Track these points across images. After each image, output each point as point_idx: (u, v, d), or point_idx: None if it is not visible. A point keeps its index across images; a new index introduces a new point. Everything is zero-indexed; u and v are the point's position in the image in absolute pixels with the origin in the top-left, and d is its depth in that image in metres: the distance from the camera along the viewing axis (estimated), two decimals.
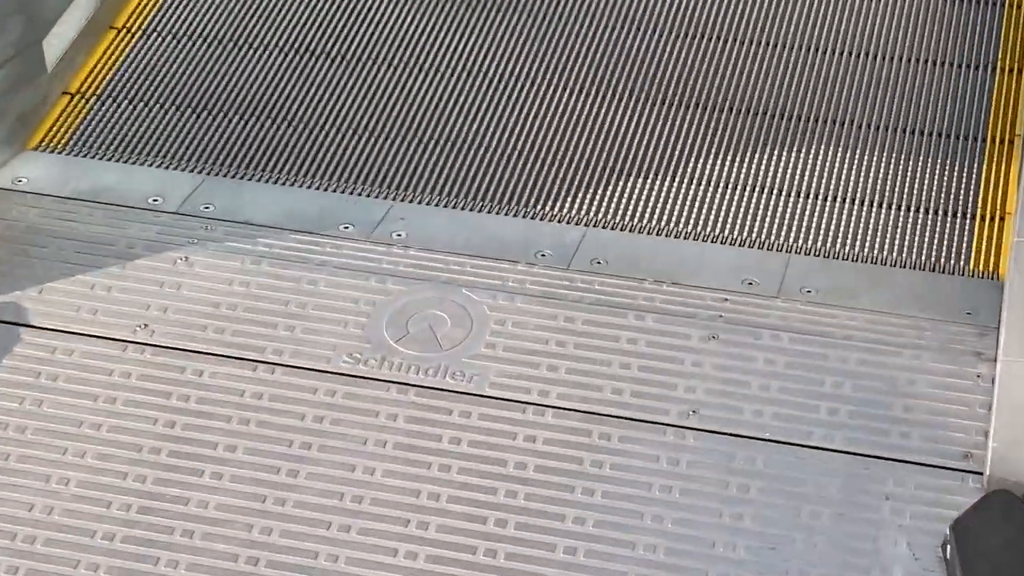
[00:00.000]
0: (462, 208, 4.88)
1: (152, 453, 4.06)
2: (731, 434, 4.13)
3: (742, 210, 4.93)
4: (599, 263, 4.64)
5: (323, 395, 4.22)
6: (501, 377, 4.28)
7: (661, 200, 4.97)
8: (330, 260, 4.59)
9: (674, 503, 3.97)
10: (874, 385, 4.26)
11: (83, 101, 5.21)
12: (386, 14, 5.57)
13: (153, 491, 3.97)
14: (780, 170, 5.06)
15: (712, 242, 4.78)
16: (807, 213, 4.92)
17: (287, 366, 4.28)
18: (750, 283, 4.58)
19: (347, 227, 4.72)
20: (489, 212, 4.86)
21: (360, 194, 4.91)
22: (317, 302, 4.47)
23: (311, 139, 5.13)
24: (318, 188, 4.91)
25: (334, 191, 4.91)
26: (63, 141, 5.06)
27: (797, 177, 5.04)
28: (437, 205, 4.89)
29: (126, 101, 5.22)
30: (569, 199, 4.97)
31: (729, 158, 5.10)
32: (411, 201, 4.88)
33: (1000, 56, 5.39)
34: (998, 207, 4.92)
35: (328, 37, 5.48)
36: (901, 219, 4.91)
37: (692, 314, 4.45)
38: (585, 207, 4.94)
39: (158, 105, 5.21)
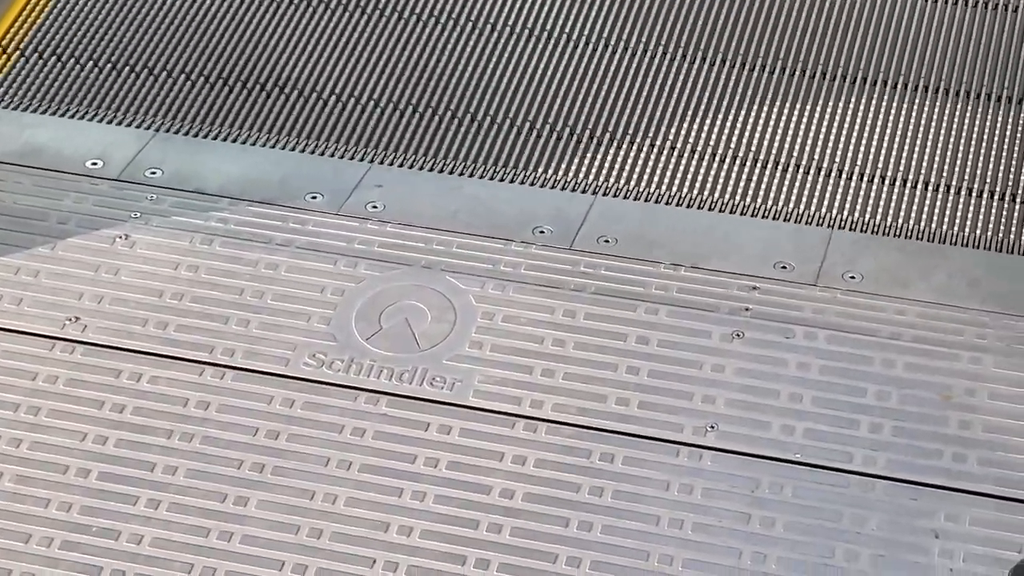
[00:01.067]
0: (450, 172, 4.48)
1: (79, 476, 3.72)
2: (755, 455, 3.77)
3: (777, 175, 4.52)
4: (607, 241, 4.24)
5: (280, 405, 3.87)
6: (488, 384, 3.91)
7: (683, 164, 4.55)
8: (293, 239, 4.21)
9: (686, 541, 3.61)
10: (925, 396, 3.88)
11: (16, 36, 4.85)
12: None
13: (79, 522, 3.63)
14: (822, 131, 4.64)
15: (742, 214, 4.39)
16: (853, 180, 4.51)
17: (239, 369, 3.93)
18: (784, 266, 4.18)
19: (315, 197, 4.33)
20: (482, 177, 4.47)
21: (332, 155, 4.52)
22: (276, 291, 4.10)
23: (275, 90, 4.74)
24: (283, 147, 4.52)
25: (301, 151, 4.53)
26: None
27: (843, 139, 4.61)
28: (422, 169, 4.49)
29: (64, 43, 4.86)
30: (575, 161, 4.56)
31: (763, 116, 4.67)
32: (391, 164, 4.49)
33: None
34: None
35: None
36: (964, 188, 4.49)
37: (713, 306, 4.07)
38: (594, 171, 4.53)
39: (101, 50, 4.84)
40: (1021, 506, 3.66)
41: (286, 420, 3.84)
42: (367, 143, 4.58)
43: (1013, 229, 4.36)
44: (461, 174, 4.46)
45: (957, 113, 4.66)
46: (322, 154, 4.50)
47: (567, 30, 4.88)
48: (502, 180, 4.47)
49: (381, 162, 4.48)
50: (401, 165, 4.48)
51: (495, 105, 4.65)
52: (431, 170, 4.48)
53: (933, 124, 4.64)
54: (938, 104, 4.69)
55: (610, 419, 3.85)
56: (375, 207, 4.32)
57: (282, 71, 4.78)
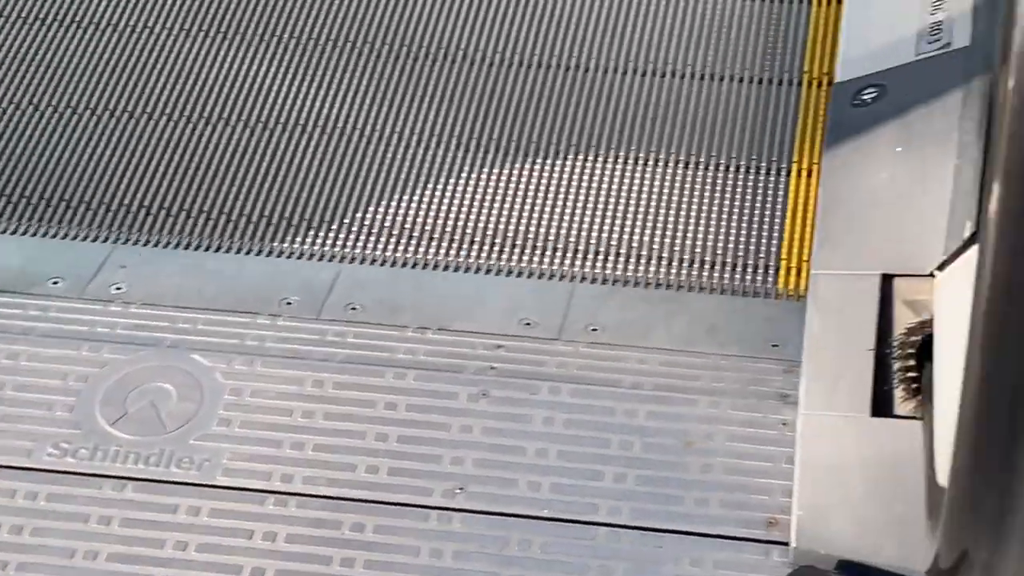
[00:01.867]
0: (196, 248, 4.45)
1: None
2: (503, 514, 3.78)
3: (521, 230, 4.57)
4: (354, 308, 4.24)
5: (23, 499, 3.77)
6: (237, 461, 3.87)
7: (428, 224, 4.57)
8: (34, 327, 4.13)
9: None
10: (666, 443, 3.93)
11: None
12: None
13: None
14: (559, 172, 4.69)
15: (487, 273, 4.43)
16: (596, 221, 4.55)
17: None
18: (528, 323, 4.21)
19: (56, 282, 4.26)
20: (228, 251, 4.44)
21: (75, 238, 4.46)
22: (17, 380, 4.01)
23: (9, 168, 4.65)
24: (24, 233, 4.45)
25: (43, 235, 4.45)
26: None
27: (583, 176, 4.68)
28: (167, 246, 4.45)
29: None
30: (323, 229, 4.55)
31: (496, 169, 4.71)
32: (135, 243, 4.44)
33: None
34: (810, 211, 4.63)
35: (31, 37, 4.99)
36: (704, 211, 4.59)
37: (459, 367, 4.08)
38: (341, 238, 4.52)
39: None
40: (760, 546, 3.73)
41: (30, 514, 3.74)
42: (112, 224, 4.52)
43: (748, 275, 4.47)
44: (207, 249, 4.43)
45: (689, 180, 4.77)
46: (63, 238, 4.44)
47: (276, 116, 4.86)
48: (248, 253, 4.45)
49: (124, 242, 4.43)
50: (146, 244, 4.43)
51: (221, 198, 4.60)
52: (176, 247, 4.45)
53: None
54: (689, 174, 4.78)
55: (360, 488, 3.83)
56: (119, 289, 4.26)
57: None
